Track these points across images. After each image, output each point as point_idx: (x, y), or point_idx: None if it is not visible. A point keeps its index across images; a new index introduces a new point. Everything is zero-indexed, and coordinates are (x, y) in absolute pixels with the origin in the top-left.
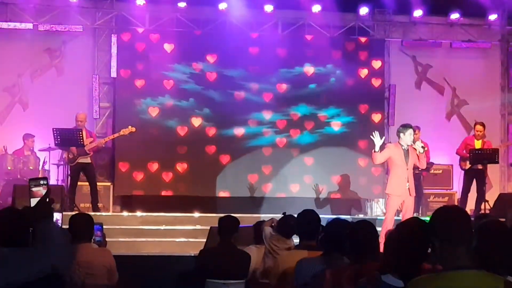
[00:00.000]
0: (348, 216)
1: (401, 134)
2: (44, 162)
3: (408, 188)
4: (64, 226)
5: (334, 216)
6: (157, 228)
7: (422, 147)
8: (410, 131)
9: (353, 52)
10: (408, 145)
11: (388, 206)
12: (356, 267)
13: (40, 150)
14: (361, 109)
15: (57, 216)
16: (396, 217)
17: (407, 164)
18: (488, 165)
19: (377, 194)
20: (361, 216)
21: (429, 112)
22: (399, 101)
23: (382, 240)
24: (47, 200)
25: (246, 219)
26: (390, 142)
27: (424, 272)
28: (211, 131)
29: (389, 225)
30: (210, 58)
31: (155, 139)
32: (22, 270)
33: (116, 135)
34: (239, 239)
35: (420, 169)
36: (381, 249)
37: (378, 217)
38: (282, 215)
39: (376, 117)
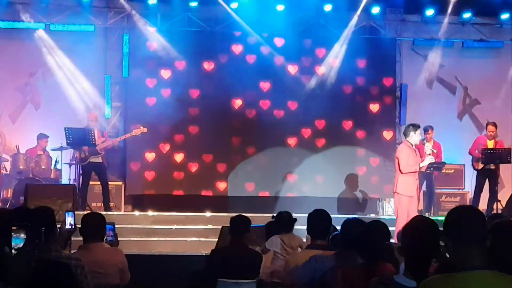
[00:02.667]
0: (360, 216)
1: (412, 133)
2: (56, 162)
3: (418, 186)
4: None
5: (346, 216)
6: (169, 227)
7: (431, 149)
8: (420, 130)
9: (364, 52)
10: (415, 144)
11: (400, 206)
12: (368, 267)
13: (52, 150)
14: (372, 109)
15: (70, 219)
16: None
17: (420, 166)
18: (501, 165)
19: (388, 194)
20: (372, 215)
21: (440, 112)
22: (411, 101)
23: (395, 240)
24: None
25: (258, 218)
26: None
27: (434, 272)
28: (223, 131)
29: (403, 224)
30: (222, 58)
31: (167, 139)
32: None
33: (128, 135)
34: (250, 239)
35: (431, 169)
36: None
37: (390, 217)
38: (272, 218)
39: (388, 117)
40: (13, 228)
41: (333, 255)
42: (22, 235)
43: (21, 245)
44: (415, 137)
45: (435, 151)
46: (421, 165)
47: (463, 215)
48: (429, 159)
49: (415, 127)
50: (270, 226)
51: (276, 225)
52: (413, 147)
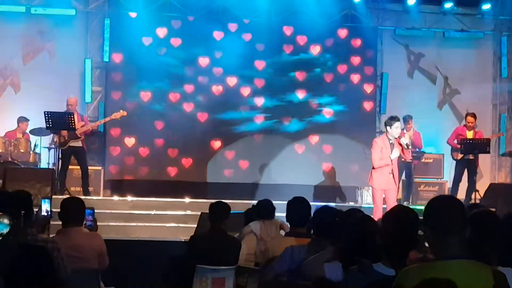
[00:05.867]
0: (339, 204)
1: (388, 127)
2: (35, 145)
3: (393, 178)
4: (55, 210)
5: (324, 204)
6: (148, 213)
7: (406, 144)
8: (397, 124)
9: (345, 40)
10: (394, 138)
11: (375, 197)
12: (346, 255)
13: (31, 133)
14: (353, 97)
15: (46, 206)
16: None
17: (391, 159)
18: (479, 155)
19: (367, 183)
20: (351, 204)
21: (421, 101)
22: (391, 90)
23: None
24: None
25: (237, 205)
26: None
27: (412, 261)
28: (203, 117)
29: (379, 214)
30: (203, 44)
31: (147, 124)
32: None
33: (107, 119)
34: (229, 225)
35: (411, 158)
36: None
37: (369, 205)
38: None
39: (368, 106)
40: None
41: (307, 244)
42: (6, 221)
43: (4, 231)
44: (391, 131)
45: (410, 146)
46: (391, 157)
47: (443, 204)
48: (396, 152)
49: (393, 120)
50: (249, 213)
51: (256, 213)
52: (392, 141)
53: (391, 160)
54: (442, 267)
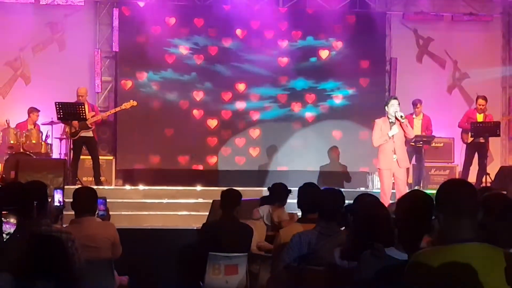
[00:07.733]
0: (350, 189)
1: (386, 107)
2: (46, 136)
3: (397, 160)
4: (67, 200)
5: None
6: (160, 201)
7: (401, 116)
8: (393, 101)
9: (354, 26)
10: (394, 117)
11: (381, 180)
12: (357, 239)
13: (42, 124)
14: (362, 83)
15: (58, 196)
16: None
17: (393, 136)
18: (490, 138)
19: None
20: (362, 189)
21: (430, 85)
22: (400, 75)
23: None
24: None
25: (248, 192)
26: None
27: (425, 245)
28: (213, 106)
29: (385, 198)
30: (212, 32)
31: (157, 113)
32: None
33: (118, 109)
34: (241, 213)
35: (421, 143)
36: None
37: (378, 191)
38: (268, 190)
39: (377, 91)
40: (2, 212)
41: (315, 229)
42: (12, 220)
43: (11, 230)
44: (388, 109)
45: (403, 117)
46: (389, 133)
47: (455, 188)
48: (395, 128)
49: (390, 99)
50: (265, 199)
51: (270, 196)
52: (392, 120)
53: (392, 138)
54: (454, 250)
